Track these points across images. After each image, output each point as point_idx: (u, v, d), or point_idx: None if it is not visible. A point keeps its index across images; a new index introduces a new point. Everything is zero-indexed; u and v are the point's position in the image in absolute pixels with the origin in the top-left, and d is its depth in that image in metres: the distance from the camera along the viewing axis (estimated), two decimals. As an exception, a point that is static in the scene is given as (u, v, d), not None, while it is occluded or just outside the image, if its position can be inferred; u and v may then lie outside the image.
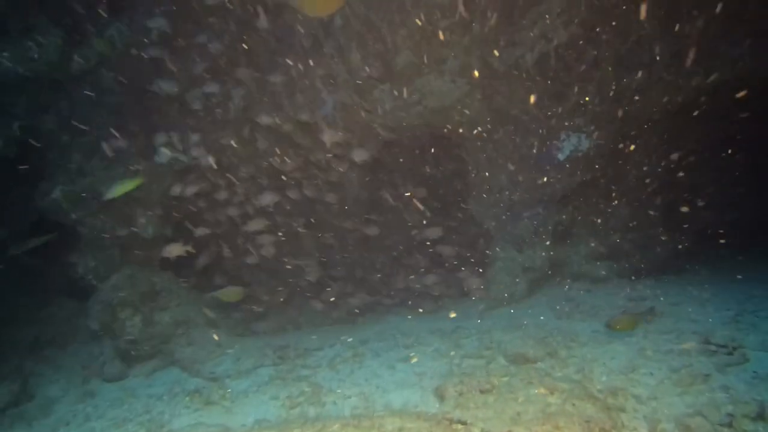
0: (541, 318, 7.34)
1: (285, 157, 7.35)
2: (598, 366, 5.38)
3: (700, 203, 9.29)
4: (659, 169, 8.57)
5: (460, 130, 8.11)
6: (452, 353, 6.25)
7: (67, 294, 7.76)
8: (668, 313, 6.73)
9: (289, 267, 8.32)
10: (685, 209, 9.04)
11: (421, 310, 8.46)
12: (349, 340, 7.31)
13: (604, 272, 8.86)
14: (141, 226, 7.08)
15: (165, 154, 6.98)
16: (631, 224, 8.99)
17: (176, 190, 7.21)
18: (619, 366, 5.31)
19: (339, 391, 5.68)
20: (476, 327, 7.27)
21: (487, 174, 8.40)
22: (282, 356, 6.81)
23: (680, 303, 7.20)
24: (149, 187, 7.11)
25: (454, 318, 7.98)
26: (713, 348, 5.36)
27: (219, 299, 6.76)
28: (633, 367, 5.24)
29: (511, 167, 8.28)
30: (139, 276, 7.22)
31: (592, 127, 7.53)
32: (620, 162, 8.26)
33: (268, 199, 7.57)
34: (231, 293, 6.78)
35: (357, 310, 8.62)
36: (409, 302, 8.86)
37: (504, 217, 8.57)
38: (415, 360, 6.22)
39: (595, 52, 6.84)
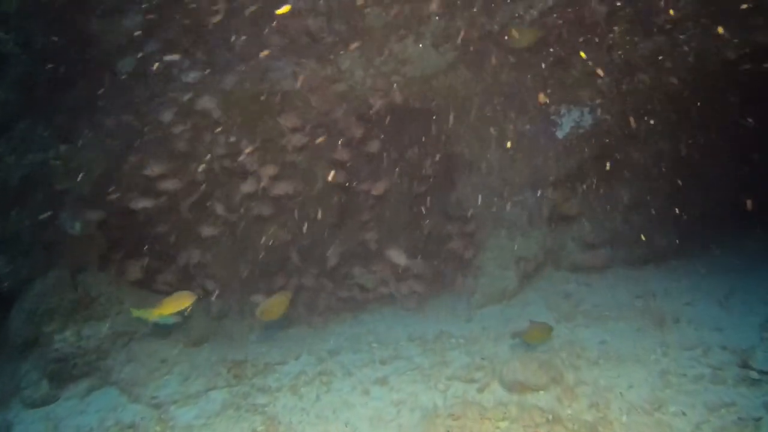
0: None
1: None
2: (614, 398, 4.27)
3: (707, 183, 8.17)
4: (668, 148, 7.38)
5: (445, 104, 6.81)
6: (437, 374, 5.10)
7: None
8: (685, 318, 5.64)
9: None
10: (690, 190, 7.92)
11: (402, 308, 7.29)
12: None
13: (603, 260, 7.75)
14: (66, 221, 5.75)
15: None
16: (632, 207, 7.86)
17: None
18: (640, 399, 4.21)
19: (300, 429, 4.52)
20: (463, 332, 6.14)
21: (475, 154, 7.14)
22: (237, 374, 5.64)
23: (695, 301, 6.13)
24: (75, 176, 5.76)
25: (439, 319, 6.84)
26: (754, 375, 4.27)
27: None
28: (658, 401, 4.13)
29: (503, 146, 7.03)
30: (69, 280, 5.93)
31: (598, 101, 6.27)
32: (625, 139, 7.04)
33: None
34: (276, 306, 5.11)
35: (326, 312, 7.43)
36: (389, 298, 7.70)
37: (495, 201, 7.36)
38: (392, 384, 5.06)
39: (606, 10, 5.53)
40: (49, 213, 5.58)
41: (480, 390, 4.70)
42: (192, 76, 5.51)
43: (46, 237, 5.79)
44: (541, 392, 4.52)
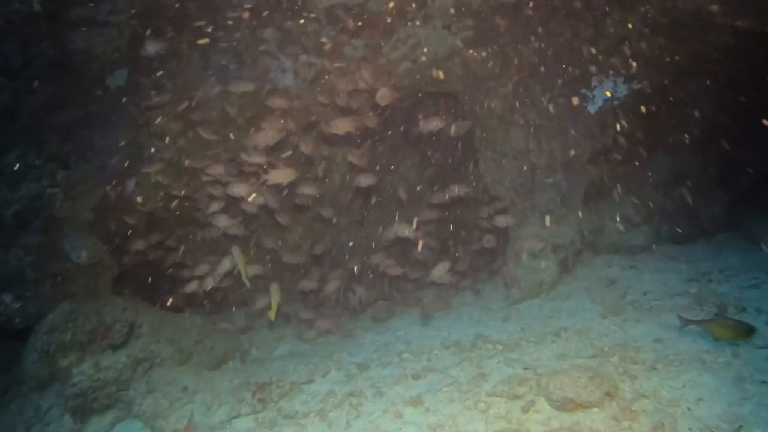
0: (582, 317, 5.60)
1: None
2: (682, 416, 3.65)
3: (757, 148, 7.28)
4: (711, 113, 6.57)
5: (461, 86, 6.14)
6: (476, 390, 4.54)
7: (3, 338, 6.16)
8: (752, 305, 4.94)
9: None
10: (739, 156, 7.06)
11: (431, 310, 6.73)
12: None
13: (646, 240, 7.05)
14: (71, 251, 5.36)
15: None
16: (675, 180, 7.10)
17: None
18: (714, 416, 3.58)
19: (329, 466, 4.05)
20: (501, 335, 5.57)
21: (500, 137, 6.46)
22: (263, 398, 5.19)
23: (760, 284, 5.41)
24: (75, 203, 5.34)
25: (473, 319, 6.28)
26: None
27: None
28: (737, 419, 3.49)
29: (529, 125, 6.33)
30: (81, 311, 5.56)
31: (633, 69, 5.51)
32: (665, 107, 6.26)
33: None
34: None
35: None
36: (417, 298, 7.17)
37: (524, 186, 6.69)
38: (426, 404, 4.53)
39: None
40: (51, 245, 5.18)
41: (525, 410, 4.12)
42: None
43: (52, 269, 5.41)
44: (595, 410, 3.93)
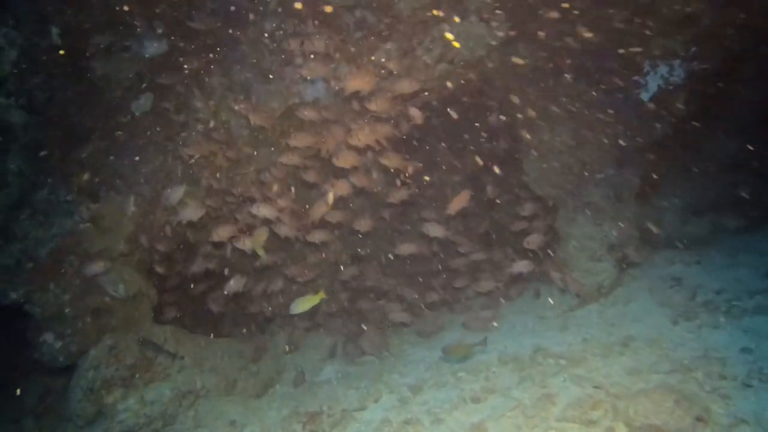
0: (650, 323, 5.10)
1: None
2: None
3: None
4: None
5: (503, 83, 5.69)
6: (543, 415, 4.11)
7: (47, 374, 6.03)
8: None
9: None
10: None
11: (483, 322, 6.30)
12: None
13: (709, 231, 6.48)
14: (108, 284, 5.16)
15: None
16: (737, 164, 6.50)
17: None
18: (833, 446, 3.08)
19: None
20: (561, 347, 5.11)
21: (545, 133, 5.99)
22: (314, 430, 4.88)
23: None
24: (108, 235, 5.14)
25: (528, 328, 5.84)
26: None
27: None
28: None
29: (576, 118, 5.84)
30: (123, 345, 5.36)
31: (693, 49, 4.97)
32: (726, 88, 5.69)
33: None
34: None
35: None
36: (464, 307, 6.77)
37: (573, 183, 6.19)
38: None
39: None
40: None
41: (604, 440, 3.69)
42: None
43: (90, 305, 5.22)
44: (687, 439, 3.47)
